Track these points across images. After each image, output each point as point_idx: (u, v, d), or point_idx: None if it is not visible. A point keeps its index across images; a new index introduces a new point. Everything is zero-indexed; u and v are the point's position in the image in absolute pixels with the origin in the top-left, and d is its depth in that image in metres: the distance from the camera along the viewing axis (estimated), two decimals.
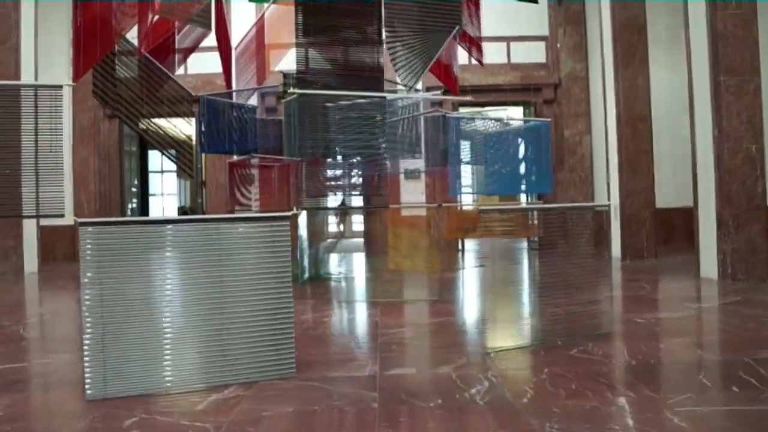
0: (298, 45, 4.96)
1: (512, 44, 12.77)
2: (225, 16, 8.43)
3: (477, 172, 7.01)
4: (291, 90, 4.87)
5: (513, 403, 3.11)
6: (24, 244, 10.75)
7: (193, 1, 7.69)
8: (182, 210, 17.65)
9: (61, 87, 3.66)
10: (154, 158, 15.73)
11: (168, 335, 3.48)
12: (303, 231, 9.00)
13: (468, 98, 5.43)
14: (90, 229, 3.41)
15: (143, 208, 14.24)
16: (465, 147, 6.16)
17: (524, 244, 12.70)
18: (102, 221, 3.49)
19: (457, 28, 4.97)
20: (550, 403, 3.09)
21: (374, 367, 3.87)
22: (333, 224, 15.19)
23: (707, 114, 7.38)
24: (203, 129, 7.93)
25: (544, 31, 12.89)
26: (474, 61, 11.98)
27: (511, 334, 4.76)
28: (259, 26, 9.55)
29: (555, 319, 5.18)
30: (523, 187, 6.44)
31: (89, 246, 3.39)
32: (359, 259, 11.88)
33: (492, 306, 6.29)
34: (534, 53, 12.83)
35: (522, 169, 6.25)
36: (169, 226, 3.55)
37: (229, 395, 3.32)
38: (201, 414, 3.03)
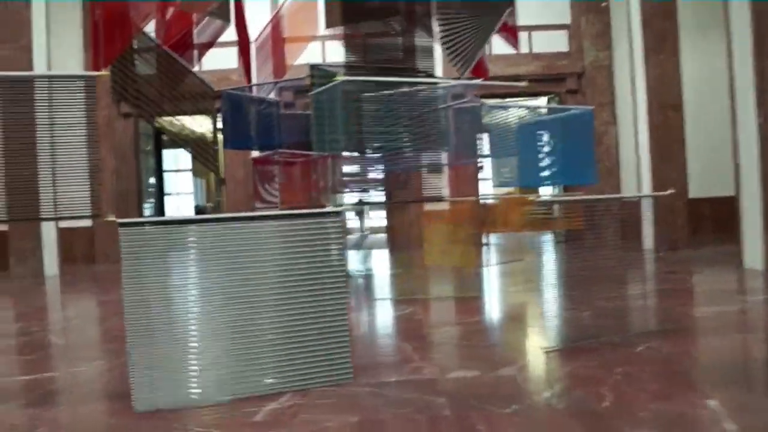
0: (344, 31, 4.69)
1: (534, 33, 12.46)
2: (244, 9, 8.23)
3: (496, 164, 6.70)
4: (338, 77, 4.59)
5: (594, 408, 2.87)
6: (43, 246, 10.58)
7: None
8: (199, 209, 17.45)
9: (94, 77, 3.45)
10: (169, 157, 15.51)
11: (218, 340, 3.26)
12: None
13: (523, 84, 5.18)
14: (131, 229, 3.18)
15: (160, 208, 14.02)
16: (502, 138, 5.91)
17: (549, 238, 12.49)
18: (143, 221, 3.26)
19: (510, 8, 4.76)
20: (633, 407, 2.85)
21: (432, 369, 3.65)
22: (353, 221, 14.93)
23: (750, 100, 7.10)
24: (226, 125, 7.71)
25: (566, 19, 12.59)
26: (495, 52, 11.78)
27: (566, 331, 4.51)
28: (278, 19, 9.34)
29: (609, 314, 4.96)
30: (564, 178, 6.16)
31: (130, 248, 3.17)
32: (384, 256, 11.62)
33: (540, 301, 6.08)
34: (556, 42, 12.52)
35: (563, 159, 5.98)
36: (215, 225, 3.32)
37: (286, 404, 3.09)
38: (260, 426, 2.81)
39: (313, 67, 7.00)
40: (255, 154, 9.49)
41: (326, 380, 3.34)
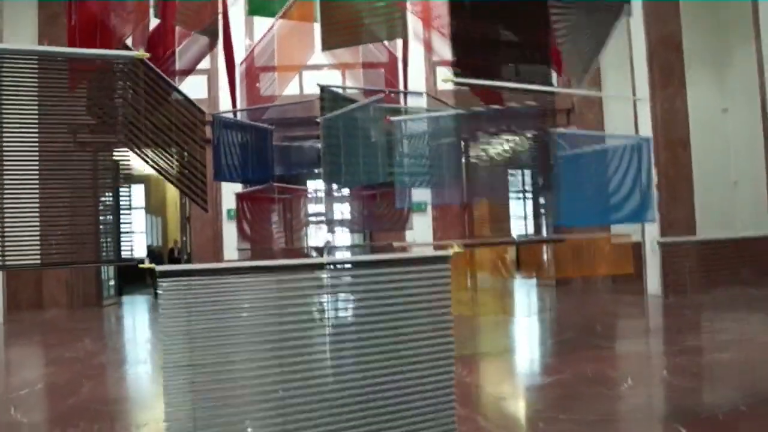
0: (453, 31, 3.89)
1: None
2: (230, 28, 7.48)
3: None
4: (446, 78, 3.78)
5: None
6: None
7: (208, 9, 6.73)
8: (152, 250, 16.16)
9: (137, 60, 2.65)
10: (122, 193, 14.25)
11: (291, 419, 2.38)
12: None
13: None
14: (177, 282, 2.28)
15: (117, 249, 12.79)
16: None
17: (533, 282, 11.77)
18: (193, 269, 2.35)
19: (625, 7, 4.11)
20: None
21: None
22: None
23: None
24: (217, 154, 6.81)
25: None
26: None
27: (674, 400, 3.75)
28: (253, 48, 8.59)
29: (696, 374, 4.27)
30: (618, 215, 5.46)
31: (176, 308, 2.28)
32: None
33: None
34: None
35: (619, 194, 5.30)
36: (284, 276, 2.44)
37: None
38: None
39: (323, 89, 6.19)
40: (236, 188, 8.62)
41: None
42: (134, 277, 14.42)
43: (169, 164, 6.20)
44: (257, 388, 2.35)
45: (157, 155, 5.90)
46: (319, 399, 2.40)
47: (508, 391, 4.16)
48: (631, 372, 4.54)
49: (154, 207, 17.55)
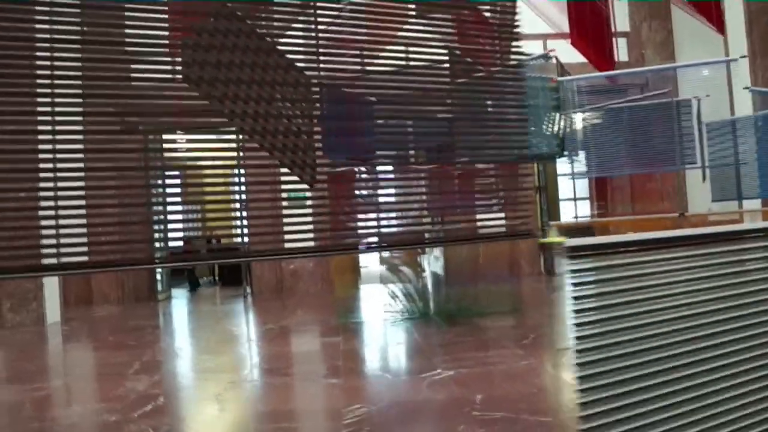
0: None
1: None
2: None
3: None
4: None
5: None
6: (45, 286, 8.65)
7: None
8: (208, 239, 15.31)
9: None
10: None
11: None
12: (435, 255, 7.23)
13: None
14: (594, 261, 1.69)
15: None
16: None
17: None
18: (612, 243, 1.75)
19: None
20: None
21: None
22: None
23: None
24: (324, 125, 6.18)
25: (625, 26, 11.51)
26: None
27: None
28: None
29: None
30: None
31: (591, 298, 1.68)
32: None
33: None
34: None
35: None
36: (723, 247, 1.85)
37: None
38: None
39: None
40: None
41: None
42: (175, 270, 13.76)
43: (276, 139, 5.48)
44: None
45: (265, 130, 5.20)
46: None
47: None
48: None
49: (193, 194, 16.79)
